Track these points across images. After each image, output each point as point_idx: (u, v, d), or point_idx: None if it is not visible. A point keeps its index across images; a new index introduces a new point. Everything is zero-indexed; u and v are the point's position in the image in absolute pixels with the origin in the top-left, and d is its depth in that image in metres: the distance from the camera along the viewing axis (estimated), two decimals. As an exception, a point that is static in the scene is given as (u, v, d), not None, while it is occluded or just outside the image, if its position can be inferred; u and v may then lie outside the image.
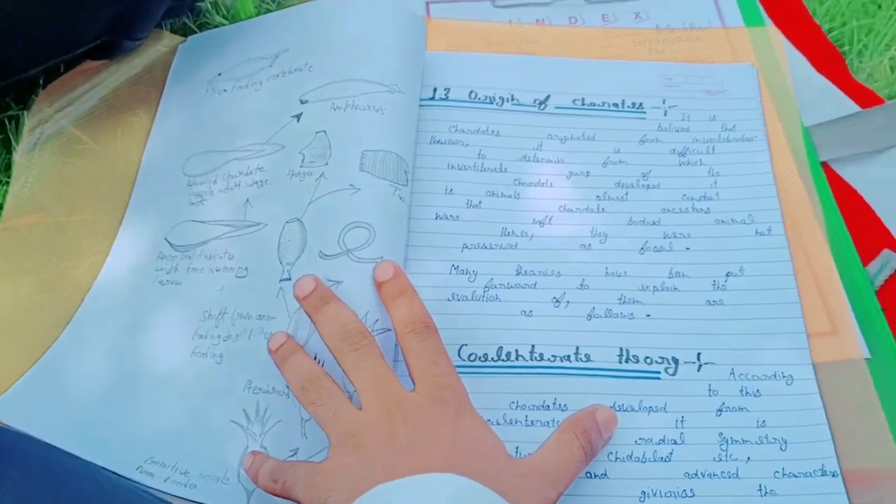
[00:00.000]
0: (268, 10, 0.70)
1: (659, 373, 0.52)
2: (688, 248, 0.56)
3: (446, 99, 0.63)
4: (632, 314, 0.54)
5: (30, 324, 0.56)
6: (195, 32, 0.70)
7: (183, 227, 0.58)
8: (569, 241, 0.57)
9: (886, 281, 0.57)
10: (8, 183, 0.61)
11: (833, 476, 0.48)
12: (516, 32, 0.68)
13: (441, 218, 0.57)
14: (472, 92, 0.63)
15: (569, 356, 0.52)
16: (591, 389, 0.51)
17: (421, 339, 0.47)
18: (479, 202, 0.58)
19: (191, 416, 0.51)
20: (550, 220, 0.58)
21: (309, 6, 0.64)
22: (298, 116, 0.58)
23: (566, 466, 0.45)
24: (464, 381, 0.47)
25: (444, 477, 0.40)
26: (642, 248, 0.56)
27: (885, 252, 0.58)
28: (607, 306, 0.54)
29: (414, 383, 0.46)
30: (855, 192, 0.61)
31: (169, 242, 0.58)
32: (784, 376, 0.51)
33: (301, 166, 0.56)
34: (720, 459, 0.49)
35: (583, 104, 0.63)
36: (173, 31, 0.70)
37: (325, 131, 0.56)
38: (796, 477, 0.48)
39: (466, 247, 0.56)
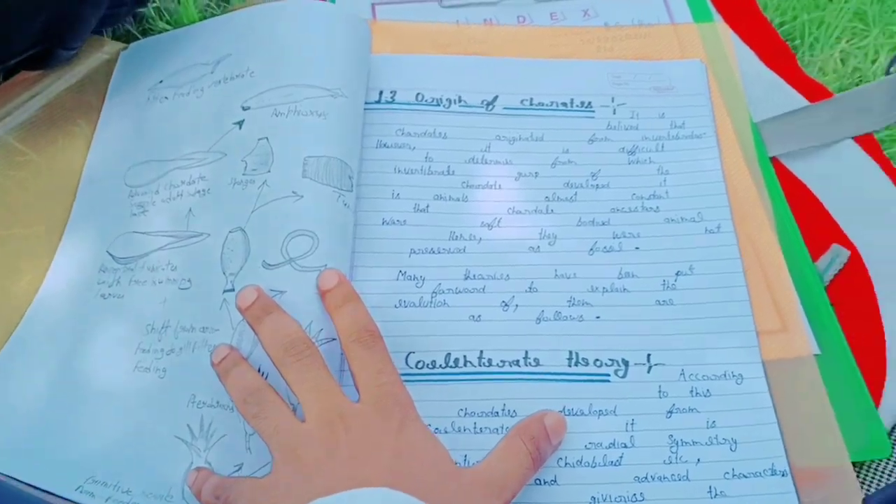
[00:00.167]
0: (213, 16, 0.69)
1: (609, 375, 0.51)
2: (637, 248, 0.56)
3: (392, 102, 0.62)
4: (581, 316, 0.53)
5: (-34, 342, 0.54)
6: (139, 39, 0.68)
7: (125, 238, 0.57)
8: (518, 243, 0.56)
9: (836, 276, 0.56)
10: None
11: (783, 475, 0.47)
12: (464, 33, 0.67)
13: (388, 223, 0.56)
14: (418, 94, 0.62)
15: (518, 361, 0.51)
16: (540, 394, 0.50)
17: (365, 348, 0.46)
18: (427, 206, 0.57)
19: (133, 433, 0.49)
20: (499, 222, 0.57)
21: (251, 10, 0.62)
22: (240, 123, 0.57)
23: (513, 474, 0.44)
24: (411, 389, 0.46)
25: (379, 492, 0.39)
26: (592, 249, 0.56)
27: (834, 247, 0.57)
28: (556, 309, 0.53)
29: (358, 393, 0.45)
30: (804, 186, 0.61)
31: (111, 255, 0.57)
32: (734, 375, 0.51)
33: (244, 174, 0.55)
34: (670, 462, 0.48)
35: (531, 104, 0.62)
36: (116, 38, 0.68)
37: (267, 138, 0.55)
38: (746, 477, 0.47)
39: (414, 252, 0.55)
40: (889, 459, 0.50)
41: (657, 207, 0.57)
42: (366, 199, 0.57)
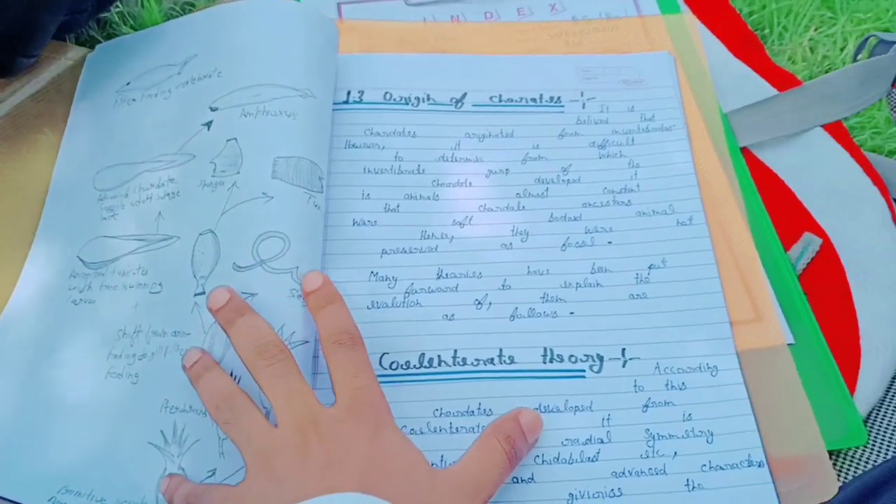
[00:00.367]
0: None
1: (584, 371, 0.50)
2: (610, 243, 0.55)
3: (360, 101, 0.61)
4: (555, 312, 0.52)
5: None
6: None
7: (95, 243, 0.56)
8: (490, 241, 0.55)
9: (808, 264, 0.56)
10: None
11: (759, 466, 0.47)
12: (431, 30, 0.66)
13: (358, 224, 0.56)
14: (386, 93, 0.61)
15: (492, 359, 0.50)
16: (515, 392, 0.49)
17: (345, 351, 0.45)
18: (398, 206, 0.56)
19: (106, 440, 0.48)
20: (470, 220, 0.56)
21: (217, 9, 0.61)
22: (209, 124, 0.56)
23: (489, 474, 0.44)
24: (386, 390, 0.45)
25: (350, 497, 0.38)
26: (564, 245, 0.55)
27: (806, 235, 0.57)
28: (530, 306, 0.52)
29: (335, 395, 0.44)
30: (775, 175, 0.60)
31: (81, 260, 0.55)
32: (708, 368, 0.50)
33: (213, 176, 0.53)
34: (647, 456, 0.47)
35: (500, 100, 0.62)
36: (81, 44, 0.67)
37: (235, 139, 0.54)
38: (723, 469, 0.47)
39: (385, 252, 0.55)
40: (865, 447, 0.49)
41: (629, 201, 0.57)
42: (336, 199, 0.56)
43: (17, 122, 0.61)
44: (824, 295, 0.55)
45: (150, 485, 0.46)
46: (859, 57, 0.65)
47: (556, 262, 0.54)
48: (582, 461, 0.47)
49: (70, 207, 0.59)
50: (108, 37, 0.68)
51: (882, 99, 0.64)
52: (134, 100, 0.61)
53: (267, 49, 0.57)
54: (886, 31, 0.71)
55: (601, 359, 0.50)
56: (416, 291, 0.53)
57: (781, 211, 0.58)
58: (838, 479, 0.48)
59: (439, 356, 0.51)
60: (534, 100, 0.62)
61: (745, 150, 0.61)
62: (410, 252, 0.55)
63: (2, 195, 0.59)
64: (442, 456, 0.47)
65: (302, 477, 0.40)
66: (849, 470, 0.49)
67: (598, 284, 0.53)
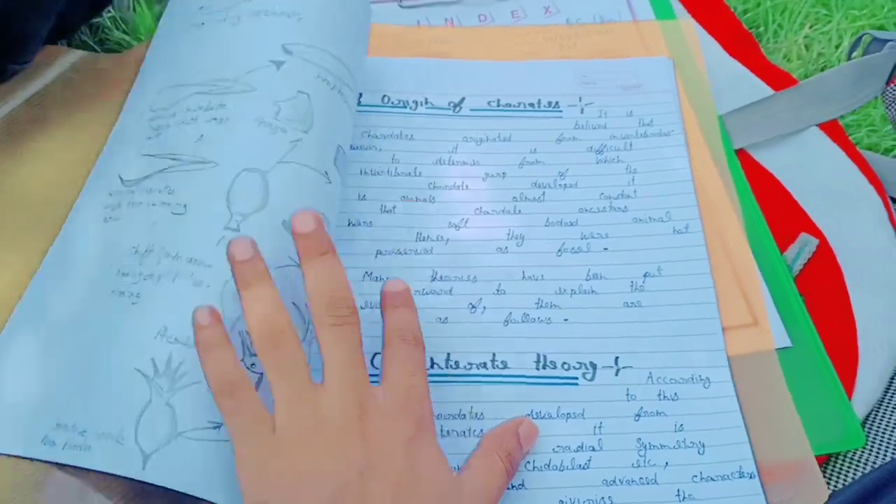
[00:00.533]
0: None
1: (577, 378, 0.49)
2: (605, 249, 0.54)
3: (358, 104, 0.59)
4: (549, 319, 0.51)
5: None
6: (95, 49, 0.65)
7: (135, 161, 0.51)
8: (485, 244, 0.54)
9: (805, 265, 0.55)
10: None
11: (750, 478, 0.46)
12: (425, 34, 0.65)
13: (354, 224, 0.54)
14: (384, 96, 0.60)
15: (485, 363, 0.49)
16: (507, 397, 0.48)
17: (409, 348, 0.44)
18: (394, 207, 0.55)
19: (95, 364, 0.44)
20: (466, 223, 0.55)
21: None
22: (279, 64, 0.51)
23: (491, 489, 0.43)
24: None
25: None
26: (560, 250, 0.54)
27: (803, 236, 0.56)
28: (524, 311, 0.51)
29: (383, 385, 0.42)
30: (772, 176, 0.59)
31: (120, 178, 0.51)
32: (701, 379, 0.49)
33: (275, 118, 0.49)
34: (638, 465, 0.46)
35: (498, 105, 0.60)
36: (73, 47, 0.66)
37: (309, 96, 0.50)
38: (714, 480, 0.46)
39: (380, 253, 0.53)
40: (864, 448, 0.48)
41: (625, 207, 0.55)
42: (333, 201, 0.55)
43: (12, 129, 0.59)
44: (821, 296, 0.54)
45: (129, 416, 0.42)
46: (854, 55, 0.63)
47: (551, 267, 0.53)
48: (573, 468, 0.46)
49: (128, 130, 0.55)
50: (100, 42, 0.66)
51: (877, 97, 0.62)
52: (203, 24, 0.56)
53: (347, 22, 0.55)
54: (881, 27, 0.69)
55: (594, 366, 0.49)
56: None
57: (778, 211, 0.57)
58: (837, 482, 0.47)
59: (432, 359, 0.49)
60: (532, 105, 0.60)
61: (741, 151, 0.60)
62: (405, 254, 0.54)
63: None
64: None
65: (332, 469, 0.39)
66: (847, 472, 0.48)
67: (592, 291, 0.52)
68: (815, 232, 0.56)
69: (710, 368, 0.49)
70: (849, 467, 0.48)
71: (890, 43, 0.61)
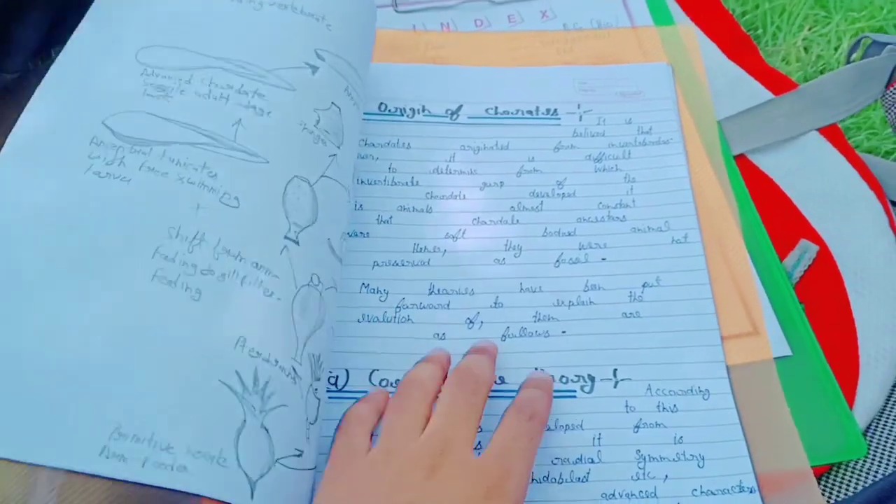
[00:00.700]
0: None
1: (575, 391, 0.48)
2: (604, 259, 0.52)
3: (356, 112, 0.58)
4: (547, 332, 0.50)
5: None
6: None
7: (133, 116, 0.44)
8: (483, 255, 0.53)
9: (805, 272, 0.53)
10: None
11: (750, 492, 0.45)
12: (421, 39, 0.63)
13: (351, 235, 0.53)
14: (381, 104, 0.59)
15: (483, 379, 0.48)
16: (500, 412, 0.47)
17: (526, 420, 0.43)
18: (390, 217, 0.54)
19: (162, 367, 0.36)
20: (464, 233, 0.54)
21: None
22: (314, 69, 0.48)
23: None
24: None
25: None
26: (558, 261, 0.52)
27: (803, 242, 0.54)
28: (522, 325, 0.50)
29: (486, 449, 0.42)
30: (771, 181, 0.58)
31: (109, 128, 0.43)
32: (700, 391, 0.48)
33: (315, 127, 0.46)
34: (638, 478, 0.45)
35: (496, 113, 0.59)
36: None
37: (339, 110, 0.48)
38: (714, 494, 0.45)
39: (377, 264, 0.52)
40: (866, 458, 0.47)
41: (624, 216, 0.54)
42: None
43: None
44: (822, 304, 0.52)
45: (227, 435, 0.36)
46: (853, 57, 0.62)
47: (549, 278, 0.52)
48: (572, 481, 0.45)
49: (93, 65, 0.47)
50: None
51: (877, 100, 0.61)
52: None
53: (362, 36, 0.53)
54: (881, 29, 0.68)
55: (592, 379, 0.48)
56: (407, 306, 0.51)
57: (778, 217, 0.56)
58: (839, 493, 0.46)
59: None
60: (530, 112, 0.59)
61: (740, 156, 0.58)
62: (402, 265, 0.52)
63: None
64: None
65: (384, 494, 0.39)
66: (850, 483, 0.47)
67: (590, 303, 0.51)
68: (816, 238, 0.55)
69: (709, 380, 0.48)
70: (850, 477, 0.47)
71: (889, 46, 0.60)
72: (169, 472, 0.33)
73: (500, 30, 0.65)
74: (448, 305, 0.51)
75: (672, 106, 0.59)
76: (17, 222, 0.39)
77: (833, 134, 0.59)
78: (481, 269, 0.52)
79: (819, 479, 0.46)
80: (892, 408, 0.49)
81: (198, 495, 0.34)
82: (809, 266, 0.54)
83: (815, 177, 0.58)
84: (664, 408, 0.47)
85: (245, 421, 0.36)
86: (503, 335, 0.49)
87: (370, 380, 0.48)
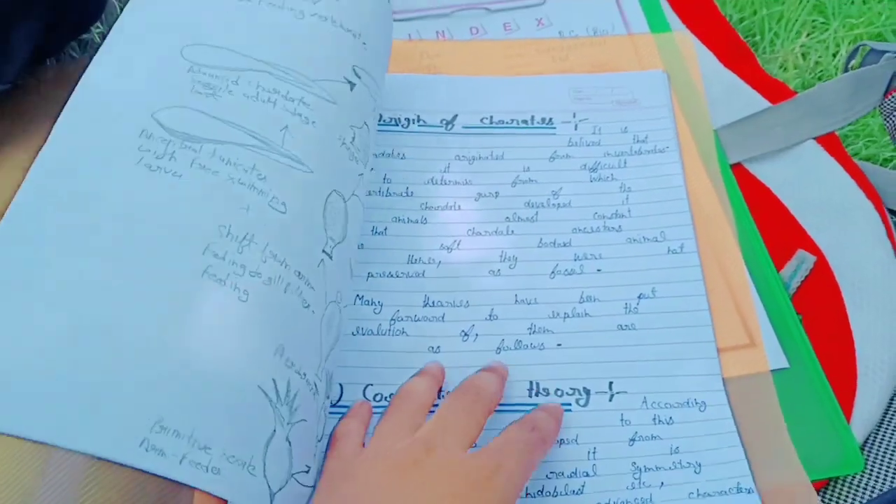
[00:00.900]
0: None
1: (570, 405, 0.48)
2: (599, 270, 0.52)
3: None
4: (542, 344, 0.49)
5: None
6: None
7: (183, 112, 0.43)
8: (478, 266, 0.52)
9: (802, 283, 0.53)
10: None
11: (749, 492, 0.44)
12: (417, 47, 0.63)
13: None
14: (377, 113, 0.58)
15: (478, 392, 0.48)
16: (500, 426, 0.46)
17: (527, 431, 0.43)
18: (385, 229, 0.53)
19: (209, 363, 0.35)
20: (459, 244, 0.53)
21: None
22: (352, 85, 0.48)
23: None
24: (371, 422, 0.44)
25: None
26: (553, 272, 0.52)
27: (800, 252, 0.54)
28: (517, 337, 0.50)
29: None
30: (768, 190, 0.57)
31: (159, 122, 0.42)
32: (697, 403, 0.47)
33: (351, 144, 0.46)
34: (633, 487, 0.45)
35: (491, 122, 0.58)
36: (62, 63, 0.64)
37: (368, 129, 0.48)
38: (711, 496, 0.44)
39: (371, 276, 0.52)
40: (864, 473, 0.47)
41: (619, 227, 0.54)
42: (323, 223, 0.53)
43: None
44: (819, 315, 0.52)
45: (259, 443, 0.35)
46: (851, 64, 0.62)
47: (544, 290, 0.51)
48: (567, 494, 0.45)
49: (139, 57, 0.45)
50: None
51: (875, 108, 0.60)
52: (271, 3, 0.50)
53: (386, 56, 0.53)
54: (879, 36, 0.67)
55: (588, 392, 0.48)
56: (401, 319, 0.50)
57: (775, 227, 0.55)
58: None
59: None
60: (525, 121, 0.58)
61: (737, 165, 0.58)
62: (397, 276, 0.52)
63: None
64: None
65: None
66: (847, 497, 0.46)
67: (586, 314, 0.50)
68: (813, 248, 0.54)
69: (705, 392, 0.48)
70: (848, 492, 0.46)
71: (887, 54, 0.60)
72: (203, 473, 0.33)
73: (496, 38, 0.65)
74: (443, 318, 0.50)
75: (668, 114, 0.59)
76: (68, 207, 0.38)
77: (830, 143, 0.59)
78: (476, 280, 0.52)
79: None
80: (889, 421, 0.49)
81: (224, 500, 0.34)
82: (806, 277, 0.53)
83: (812, 186, 0.57)
84: (660, 420, 0.47)
85: (275, 431, 0.36)
86: (498, 348, 0.49)
87: (364, 394, 0.48)
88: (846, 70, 0.61)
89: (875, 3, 0.69)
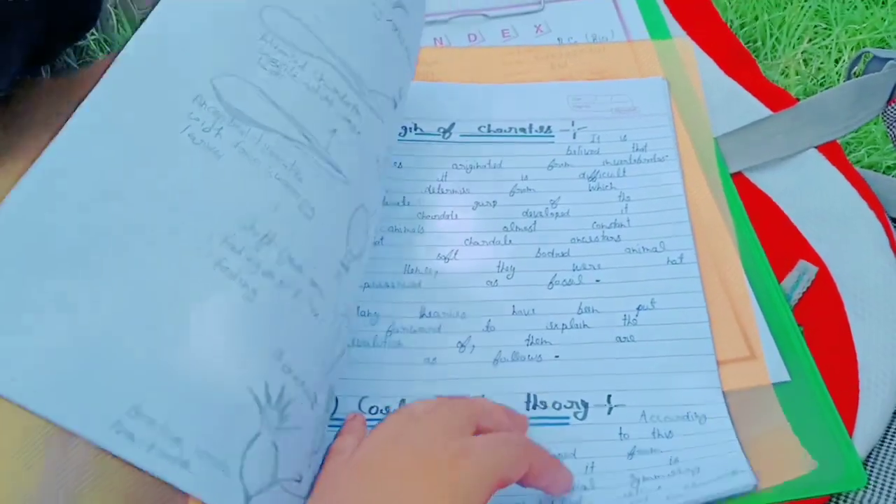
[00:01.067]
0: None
1: (568, 418, 0.47)
2: (598, 281, 0.51)
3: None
4: (540, 356, 0.49)
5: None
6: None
7: (241, 85, 0.39)
8: (475, 276, 0.52)
9: (803, 294, 0.52)
10: None
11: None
12: (414, 55, 0.63)
13: None
14: (372, 122, 0.58)
15: (474, 405, 0.47)
16: None
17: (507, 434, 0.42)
18: (381, 238, 0.53)
19: (196, 357, 0.34)
20: (456, 254, 0.53)
21: None
22: (395, 105, 0.47)
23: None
24: (367, 434, 0.43)
25: None
26: (551, 283, 0.51)
27: (801, 263, 0.53)
28: (514, 349, 0.49)
29: None
30: (770, 200, 0.57)
31: (216, 89, 0.38)
32: (697, 416, 0.47)
33: (382, 163, 0.45)
34: (630, 494, 0.44)
35: (489, 130, 0.58)
36: (56, 74, 0.63)
37: (389, 150, 0.48)
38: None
39: (368, 286, 0.51)
40: (867, 489, 0.46)
41: (618, 237, 0.53)
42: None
43: None
44: (821, 327, 0.51)
45: (238, 444, 0.34)
46: (854, 71, 0.61)
47: (542, 301, 0.51)
48: None
49: (211, 6, 0.41)
50: (85, 65, 0.64)
51: (877, 116, 0.60)
52: None
53: None
54: (882, 41, 0.67)
55: (586, 405, 0.47)
56: (397, 331, 0.50)
57: (776, 237, 0.55)
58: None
59: None
60: (523, 129, 0.58)
61: (737, 174, 0.57)
62: (393, 287, 0.51)
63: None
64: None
65: None
66: (849, 513, 0.45)
67: (584, 326, 0.50)
68: (814, 258, 0.54)
69: (705, 405, 0.47)
70: (850, 508, 0.45)
71: (890, 62, 0.59)
72: (170, 464, 0.31)
73: (494, 44, 0.64)
74: (439, 329, 0.50)
75: (668, 122, 0.58)
76: (98, 161, 0.35)
77: (832, 151, 0.58)
78: (473, 291, 0.51)
79: (817, 511, 0.45)
80: (893, 436, 0.48)
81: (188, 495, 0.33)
82: (808, 288, 0.53)
83: (813, 195, 0.57)
84: (659, 434, 0.46)
85: (259, 434, 0.35)
86: (495, 360, 0.49)
87: (360, 407, 0.47)
88: (849, 77, 0.61)
89: (878, 9, 0.69)
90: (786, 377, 0.49)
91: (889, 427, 0.49)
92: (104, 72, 0.36)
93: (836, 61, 0.67)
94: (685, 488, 0.44)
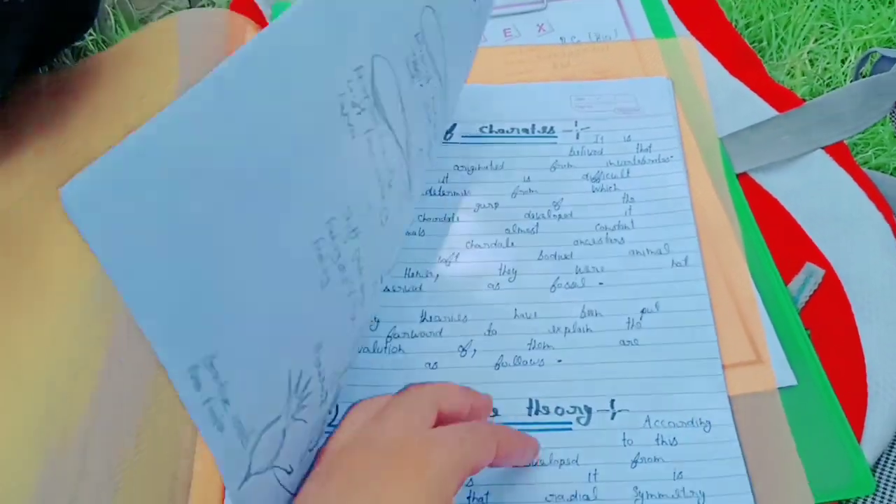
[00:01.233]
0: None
1: (571, 423, 0.46)
2: (601, 284, 0.51)
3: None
4: (542, 360, 0.48)
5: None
6: (79, 74, 0.63)
7: (389, 74, 0.38)
8: (476, 280, 0.51)
9: (810, 297, 0.52)
10: None
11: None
12: (416, 55, 0.62)
13: None
14: (373, 123, 0.57)
15: (475, 411, 0.47)
16: None
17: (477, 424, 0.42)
18: None
19: (270, 327, 0.33)
20: (457, 257, 0.52)
21: None
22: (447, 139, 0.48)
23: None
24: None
25: None
26: (553, 286, 0.51)
27: (808, 266, 0.53)
28: (516, 353, 0.48)
29: None
30: (776, 201, 0.56)
31: (373, 66, 0.36)
32: (701, 422, 0.46)
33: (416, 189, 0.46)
34: None
35: (491, 131, 0.57)
36: (54, 70, 0.63)
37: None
38: None
39: None
40: (874, 496, 0.45)
41: (622, 239, 0.52)
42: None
43: None
44: (828, 330, 0.50)
45: (262, 421, 0.33)
46: (862, 71, 0.60)
47: (544, 304, 0.50)
48: None
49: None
50: (83, 64, 0.63)
51: (885, 117, 0.59)
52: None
53: None
54: (889, 41, 0.66)
55: (589, 410, 0.47)
56: (398, 335, 0.49)
57: (782, 239, 0.54)
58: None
59: None
60: (525, 130, 0.57)
61: (743, 175, 0.57)
62: (394, 291, 0.51)
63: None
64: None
65: None
66: (857, 519, 0.45)
67: (587, 329, 0.49)
68: (821, 261, 0.53)
69: (710, 411, 0.47)
70: (859, 515, 0.45)
71: (899, 61, 0.58)
72: (212, 424, 0.30)
73: (496, 44, 0.64)
74: (440, 333, 0.49)
75: (672, 122, 0.57)
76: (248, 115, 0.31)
77: (839, 152, 0.58)
78: (474, 294, 0.51)
79: (825, 518, 0.45)
80: (901, 441, 0.48)
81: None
82: (815, 290, 0.52)
83: (820, 197, 0.56)
84: (663, 441, 0.45)
85: (279, 418, 0.34)
86: (497, 364, 0.48)
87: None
88: (857, 78, 0.60)
89: (885, 8, 0.68)
90: (793, 381, 0.48)
91: (898, 432, 0.48)
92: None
93: (843, 61, 0.66)
94: None
